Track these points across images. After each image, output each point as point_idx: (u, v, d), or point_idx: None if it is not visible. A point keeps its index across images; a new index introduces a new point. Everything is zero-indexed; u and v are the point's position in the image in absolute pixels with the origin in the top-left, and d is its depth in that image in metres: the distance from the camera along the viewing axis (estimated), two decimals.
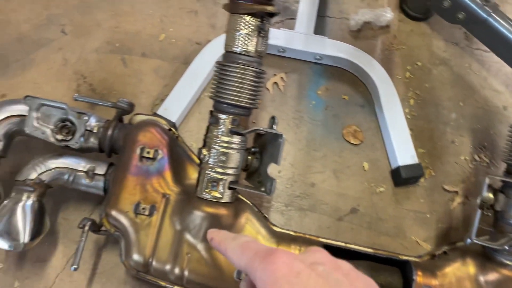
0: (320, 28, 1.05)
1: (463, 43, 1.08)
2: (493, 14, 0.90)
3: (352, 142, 0.96)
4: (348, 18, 1.07)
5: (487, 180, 0.70)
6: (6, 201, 0.75)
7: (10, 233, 0.73)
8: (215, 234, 0.45)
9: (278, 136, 0.68)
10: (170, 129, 0.82)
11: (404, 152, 0.91)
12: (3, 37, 1.01)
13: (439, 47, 1.07)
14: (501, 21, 0.86)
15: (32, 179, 0.76)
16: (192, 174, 0.80)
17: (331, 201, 0.92)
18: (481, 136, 0.99)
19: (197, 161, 0.80)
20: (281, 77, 1.01)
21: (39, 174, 0.77)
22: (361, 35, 1.07)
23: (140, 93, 0.99)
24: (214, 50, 0.98)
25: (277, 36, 0.99)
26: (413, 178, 0.91)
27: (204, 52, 0.98)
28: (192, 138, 0.95)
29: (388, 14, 1.05)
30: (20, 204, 0.75)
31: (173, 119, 0.92)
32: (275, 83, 1.01)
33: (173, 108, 0.93)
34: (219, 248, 0.44)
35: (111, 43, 1.03)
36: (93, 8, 1.06)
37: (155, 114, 0.91)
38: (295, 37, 1.00)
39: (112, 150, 0.80)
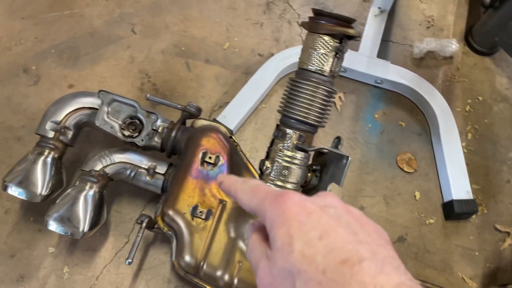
0: (383, 52, 1.05)
1: None
2: None
3: (405, 169, 0.96)
4: (412, 45, 1.07)
5: None
6: (70, 189, 0.78)
7: (71, 220, 0.75)
8: (225, 178, 0.43)
9: (343, 157, 0.69)
10: (231, 137, 0.83)
11: (459, 186, 0.90)
12: (76, 30, 1.06)
13: (502, 83, 1.06)
14: None
15: (97, 171, 0.79)
16: None
17: None
18: None
19: (253, 171, 0.81)
20: (340, 97, 1.02)
21: (104, 167, 0.79)
22: (423, 63, 1.07)
23: (200, 98, 1.01)
24: (277, 64, 1.00)
25: None
26: (465, 214, 0.90)
27: (267, 65, 1.00)
28: (247, 148, 0.96)
29: (453, 46, 1.04)
30: (83, 194, 0.77)
31: (231, 127, 0.94)
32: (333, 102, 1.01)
33: (232, 116, 0.95)
34: (229, 190, 0.41)
35: (178, 46, 1.06)
36: (164, 10, 1.09)
37: (215, 121, 0.92)
38: (358, 58, 1.00)
39: (173, 151, 0.82)
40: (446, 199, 0.92)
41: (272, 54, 1.05)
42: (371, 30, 1.04)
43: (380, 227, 0.35)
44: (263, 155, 0.97)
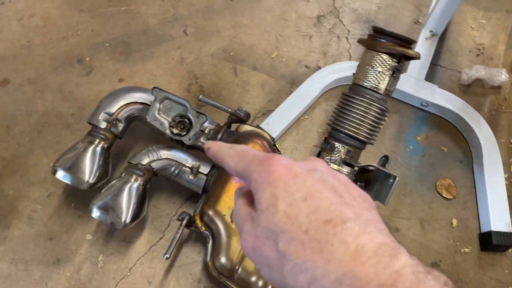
0: (430, 75, 1.05)
1: None
2: None
3: (444, 195, 0.95)
4: (460, 72, 1.07)
5: None
6: (116, 180, 0.80)
7: (114, 210, 0.77)
8: (213, 144, 0.42)
9: (391, 176, 0.69)
10: (274, 144, 0.84)
11: (499, 218, 0.89)
12: (130, 27, 1.09)
13: None
14: None
15: (143, 165, 0.81)
16: None
17: (413, 250, 0.91)
18: None
19: None
20: None
21: (150, 161, 0.81)
22: (470, 90, 1.06)
23: (245, 103, 1.02)
24: (324, 78, 1.01)
25: None
26: (503, 247, 0.88)
27: (314, 77, 1.01)
28: None
29: (502, 75, 1.03)
30: (128, 185, 0.79)
31: (273, 135, 0.95)
32: None
33: (275, 124, 0.96)
34: (216, 155, 0.41)
35: (227, 51, 1.08)
36: (217, 15, 1.11)
37: (259, 127, 0.94)
38: (406, 79, 1.00)
39: None
40: (484, 229, 0.90)
41: (319, 67, 1.06)
42: (421, 53, 1.03)
43: (366, 194, 0.35)
44: None
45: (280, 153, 0.84)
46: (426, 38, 1.06)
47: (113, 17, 1.10)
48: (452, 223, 0.93)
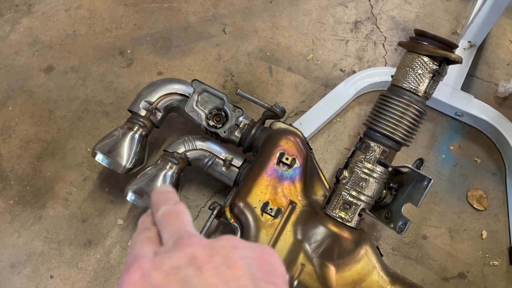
0: (466, 86, 1.04)
1: None
2: None
3: (475, 206, 0.94)
4: (497, 84, 1.06)
5: None
6: (151, 166, 0.82)
7: (149, 195, 0.79)
8: (160, 191, 0.41)
9: (425, 179, 0.69)
10: (307, 143, 0.85)
11: None
12: (172, 23, 1.12)
13: None
14: None
15: (179, 153, 0.83)
16: (319, 191, 0.82)
17: (440, 259, 0.90)
18: None
19: (324, 179, 0.83)
20: None
21: (186, 151, 0.83)
22: (506, 103, 1.05)
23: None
24: (359, 81, 1.01)
25: None
26: None
27: (349, 80, 1.02)
28: (316, 158, 0.98)
29: None
30: (163, 172, 0.81)
31: (305, 134, 0.95)
32: None
33: (308, 124, 0.97)
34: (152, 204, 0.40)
35: (263, 51, 1.09)
36: (255, 15, 1.14)
37: (292, 126, 0.95)
38: (442, 88, 1.00)
39: (250, 147, 0.85)
40: None
41: (354, 71, 1.07)
42: None
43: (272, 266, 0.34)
44: (331, 167, 0.99)
45: (312, 151, 0.85)
46: (464, 49, 1.06)
47: (155, 12, 1.13)
48: (482, 234, 0.92)
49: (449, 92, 1.00)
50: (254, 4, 1.16)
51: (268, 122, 0.87)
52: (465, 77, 1.03)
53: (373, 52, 1.10)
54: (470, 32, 1.04)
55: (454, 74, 1.02)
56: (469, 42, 1.06)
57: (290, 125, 0.97)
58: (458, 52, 1.05)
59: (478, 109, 0.98)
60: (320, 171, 0.85)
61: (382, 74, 1.02)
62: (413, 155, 0.98)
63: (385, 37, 1.12)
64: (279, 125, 0.87)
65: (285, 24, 1.13)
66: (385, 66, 1.08)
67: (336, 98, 1.00)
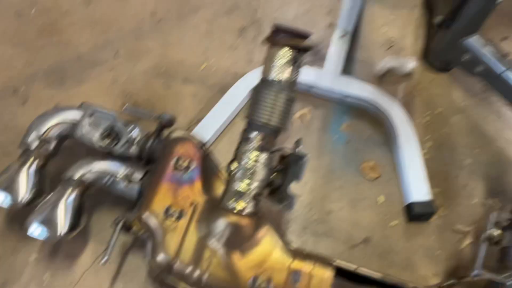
0: (347, 69, 1.14)
1: (481, 95, 1.14)
2: (510, 68, 0.97)
3: (369, 176, 1.02)
4: (374, 63, 1.16)
5: (493, 217, 0.74)
6: (51, 194, 0.84)
7: (50, 224, 0.80)
8: None
9: (302, 156, 0.75)
10: (203, 145, 0.90)
11: (418, 189, 0.97)
12: (63, 55, 1.14)
13: (458, 97, 1.14)
14: None
15: (76, 178, 0.85)
16: (219, 187, 0.87)
17: (346, 229, 0.97)
18: (495, 183, 1.03)
19: (225, 176, 0.88)
20: (309, 110, 1.10)
21: (83, 174, 0.85)
22: (385, 80, 1.15)
23: (178, 114, 1.08)
24: (248, 81, 1.08)
25: (307, 74, 1.08)
26: (425, 215, 0.96)
27: (240, 82, 1.08)
28: (222, 158, 1.02)
29: (411, 63, 1.13)
30: (63, 199, 0.83)
31: (206, 138, 1.01)
32: (302, 116, 1.09)
33: (207, 129, 1.02)
34: None
35: (157, 68, 1.14)
36: (146, 36, 1.19)
37: (189, 133, 0.99)
38: (323, 75, 1.09)
39: (150, 159, 0.89)
40: (407, 202, 0.98)
41: (246, 73, 1.14)
42: (335, 48, 1.13)
43: None
44: None
45: (208, 155, 0.90)
46: (340, 37, 1.16)
47: (45, 47, 1.15)
48: (379, 200, 1.00)
49: (331, 78, 1.09)
50: (143, 26, 1.20)
51: (168, 132, 0.91)
52: (345, 62, 1.13)
53: (261, 53, 1.17)
54: (342, 22, 1.15)
55: (334, 59, 1.11)
56: (343, 30, 1.16)
57: (188, 133, 1.01)
58: (334, 41, 1.15)
59: (358, 88, 1.08)
60: (219, 170, 0.90)
61: None
62: (309, 141, 1.06)
63: None
64: (176, 133, 0.91)
65: (176, 40, 1.19)
66: None
67: (230, 100, 1.06)
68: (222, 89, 1.12)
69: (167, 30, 1.20)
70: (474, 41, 1.02)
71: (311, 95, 1.11)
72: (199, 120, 1.07)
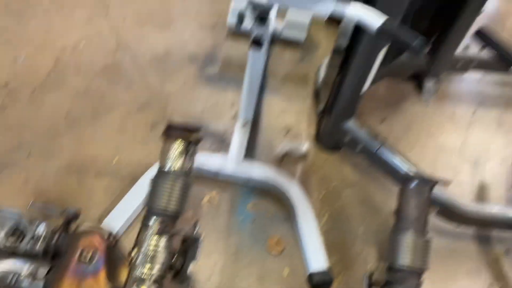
0: (250, 154, 1.26)
1: (367, 170, 1.30)
2: (383, 146, 1.14)
3: (275, 251, 1.10)
4: (274, 147, 1.30)
5: (365, 277, 0.83)
6: None
7: None
8: None
9: (197, 237, 0.83)
10: (108, 237, 0.94)
11: (316, 260, 1.06)
12: None
13: (349, 173, 1.29)
14: (389, 151, 1.11)
15: None
16: (125, 275, 0.90)
17: None
18: (384, 248, 1.14)
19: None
20: (217, 194, 1.19)
21: None
22: (284, 161, 1.29)
23: (91, 207, 1.12)
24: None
25: (213, 161, 1.19)
26: (325, 283, 1.04)
27: (148, 173, 1.16)
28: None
29: (305, 146, 1.28)
30: None
31: (117, 228, 1.05)
32: (210, 199, 1.18)
33: (117, 219, 1.07)
34: None
35: (70, 165, 1.20)
36: (59, 135, 1.25)
37: (98, 226, 1.04)
38: (228, 162, 1.20)
39: (57, 254, 0.91)
40: (308, 272, 1.06)
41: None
42: (238, 138, 1.25)
43: None
44: None
45: (116, 245, 0.94)
46: (242, 126, 1.29)
47: None
48: (284, 273, 1.07)
49: (235, 164, 1.20)
50: (58, 126, 1.28)
51: (76, 226, 0.94)
52: (250, 147, 1.26)
53: None
54: (242, 112, 1.29)
55: (236, 148, 1.23)
56: (245, 120, 1.30)
57: (95, 225, 1.06)
58: (236, 129, 1.28)
59: (259, 172, 1.19)
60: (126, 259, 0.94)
61: None
62: (217, 223, 1.14)
63: None
64: (83, 226, 0.95)
65: (89, 138, 1.27)
66: None
67: (140, 190, 1.13)
68: (133, 180, 1.18)
69: (81, 128, 1.28)
70: (351, 124, 1.19)
71: (217, 180, 1.21)
72: (110, 211, 1.12)
